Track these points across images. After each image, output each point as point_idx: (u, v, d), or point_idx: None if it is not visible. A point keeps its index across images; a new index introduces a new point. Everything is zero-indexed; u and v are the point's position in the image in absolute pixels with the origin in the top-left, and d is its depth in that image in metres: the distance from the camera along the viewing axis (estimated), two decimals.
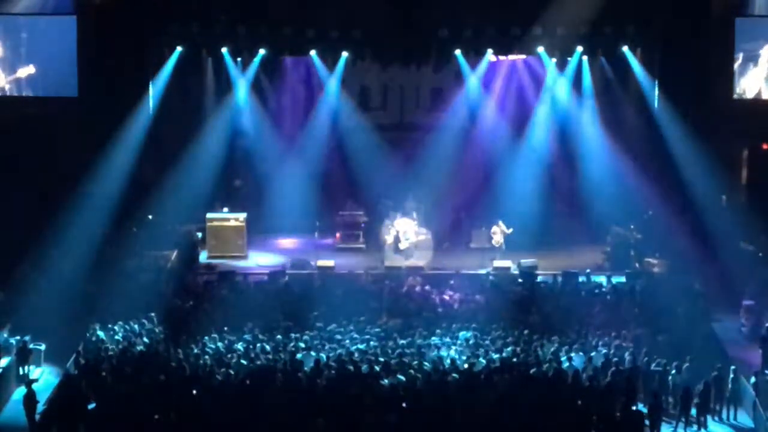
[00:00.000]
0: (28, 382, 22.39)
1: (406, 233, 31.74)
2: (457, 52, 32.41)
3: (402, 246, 31.65)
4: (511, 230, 31.35)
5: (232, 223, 32.41)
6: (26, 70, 31.09)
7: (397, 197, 32.97)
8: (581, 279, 29.24)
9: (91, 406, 21.50)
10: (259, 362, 23.26)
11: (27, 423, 21.63)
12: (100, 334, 24.98)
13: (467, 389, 21.69)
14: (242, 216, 32.44)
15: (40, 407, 21.82)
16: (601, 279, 29.49)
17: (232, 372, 22.57)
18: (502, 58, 33.55)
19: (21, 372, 24.43)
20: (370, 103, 35.00)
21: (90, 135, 31.12)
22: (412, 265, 30.73)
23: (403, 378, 22.10)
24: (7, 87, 31.19)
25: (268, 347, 24.15)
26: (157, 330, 25.58)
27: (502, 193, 33.30)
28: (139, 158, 31.62)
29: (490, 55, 32.73)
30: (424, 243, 32.20)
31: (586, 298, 27.67)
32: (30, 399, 21.70)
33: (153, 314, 26.29)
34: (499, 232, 31.46)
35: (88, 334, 25.04)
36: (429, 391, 21.60)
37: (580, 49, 32.22)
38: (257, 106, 34.26)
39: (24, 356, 24.55)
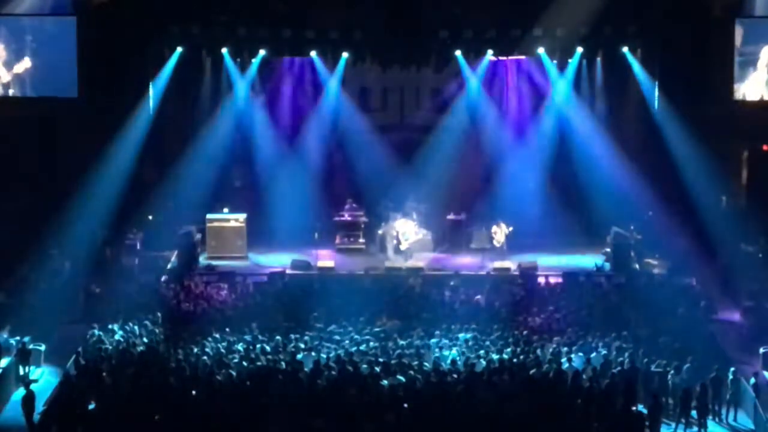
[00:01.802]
0: (27, 383, 22.39)
1: (406, 234, 31.75)
2: (458, 53, 32.41)
3: (402, 247, 31.66)
4: (511, 229, 31.36)
5: (232, 223, 32.42)
6: (26, 69, 31.08)
7: (397, 198, 32.97)
8: (581, 279, 29.24)
9: (91, 406, 21.50)
10: (259, 363, 23.24)
11: (26, 424, 21.62)
12: (100, 334, 24.96)
13: (467, 390, 21.67)
14: (242, 216, 32.44)
15: (40, 408, 21.81)
16: (601, 280, 29.48)
17: (232, 372, 22.56)
18: (502, 58, 33.54)
19: (21, 372, 24.43)
20: (371, 104, 34.99)
21: (90, 136, 31.13)
22: (412, 265, 30.72)
23: (402, 379, 22.07)
24: (10, 91, 31.16)
25: (268, 348, 24.12)
26: (157, 330, 25.55)
27: (503, 193, 33.31)
28: (139, 159, 31.63)
29: (490, 56, 32.74)
30: (424, 243, 32.22)
31: (586, 299, 27.66)
32: (28, 400, 21.69)
33: (153, 315, 26.27)
34: (500, 232, 31.49)
35: (88, 335, 25.03)
36: (429, 392, 21.57)
37: (580, 50, 32.23)
38: (257, 107, 34.25)
39: (24, 357, 24.54)
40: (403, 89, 34.82)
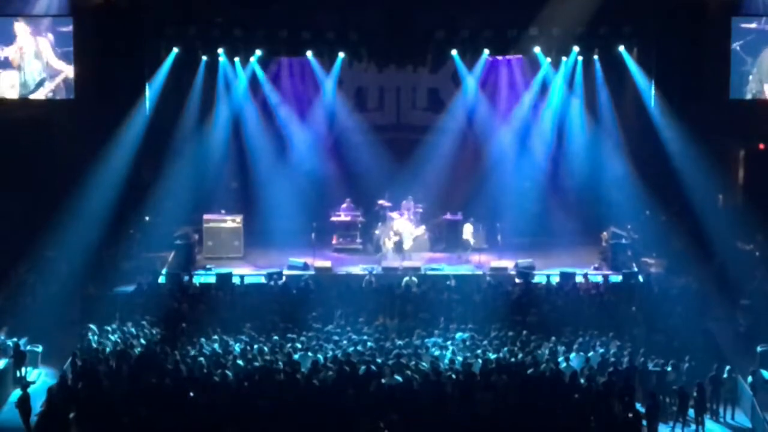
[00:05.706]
0: (24, 385, 22.33)
1: (403, 234, 31.72)
2: (454, 52, 32.41)
3: (402, 246, 31.62)
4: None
5: (229, 224, 32.39)
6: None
7: (394, 198, 32.96)
8: (578, 279, 29.25)
9: (88, 408, 21.47)
10: (256, 363, 23.23)
11: (23, 426, 21.59)
12: (97, 335, 24.95)
13: (464, 390, 21.68)
14: (239, 217, 32.42)
15: (37, 409, 21.79)
16: (598, 279, 29.50)
17: (229, 373, 22.55)
18: (498, 57, 33.54)
19: (18, 374, 24.41)
20: (367, 104, 34.97)
21: (87, 137, 31.11)
22: (409, 265, 30.71)
23: (400, 379, 22.08)
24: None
25: (265, 348, 24.12)
26: (154, 331, 25.55)
27: (500, 193, 33.31)
28: (136, 160, 31.61)
29: (486, 56, 32.73)
30: (421, 244, 32.20)
31: (583, 299, 27.66)
32: (24, 401, 21.63)
33: (150, 316, 26.25)
34: (468, 231, 31.64)
35: (85, 336, 25.00)
36: (426, 392, 21.58)
37: (576, 49, 32.25)
38: (253, 108, 34.21)
39: (19, 358, 24.51)
40: (399, 89, 34.82)
